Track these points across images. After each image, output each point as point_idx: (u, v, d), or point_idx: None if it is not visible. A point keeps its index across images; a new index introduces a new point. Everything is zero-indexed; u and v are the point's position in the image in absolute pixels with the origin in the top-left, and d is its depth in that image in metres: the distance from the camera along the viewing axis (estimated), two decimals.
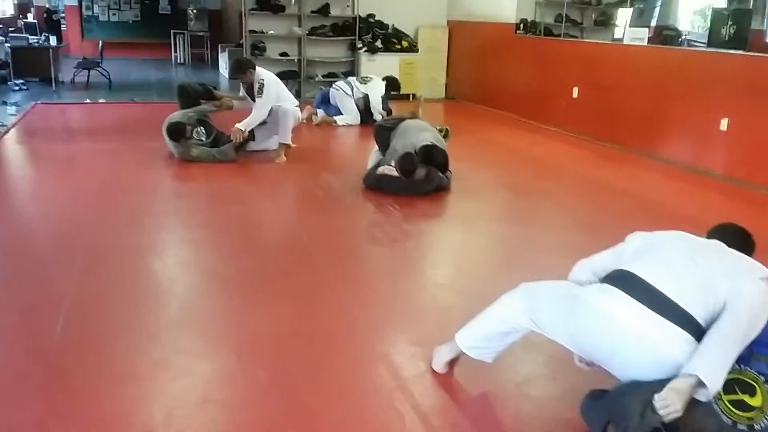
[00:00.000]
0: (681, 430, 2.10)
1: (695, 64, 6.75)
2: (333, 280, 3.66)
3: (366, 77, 8.76)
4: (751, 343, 2.20)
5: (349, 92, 8.51)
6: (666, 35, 8.33)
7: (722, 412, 2.08)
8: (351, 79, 8.82)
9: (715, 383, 2.00)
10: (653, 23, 9.01)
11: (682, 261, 2.22)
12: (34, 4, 16.24)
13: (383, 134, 5.59)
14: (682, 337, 2.09)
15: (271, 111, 6.35)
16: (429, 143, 5.17)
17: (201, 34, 17.61)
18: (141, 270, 3.75)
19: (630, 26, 8.29)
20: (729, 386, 2.10)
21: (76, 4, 17.24)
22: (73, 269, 3.66)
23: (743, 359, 2.18)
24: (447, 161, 5.27)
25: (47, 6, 15.59)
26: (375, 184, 5.30)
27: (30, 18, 14.40)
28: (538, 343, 2.81)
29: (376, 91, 8.44)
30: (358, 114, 8.48)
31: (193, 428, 2.32)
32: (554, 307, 2.35)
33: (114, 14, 17.71)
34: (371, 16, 10.99)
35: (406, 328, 3.14)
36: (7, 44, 11.31)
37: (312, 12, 10.74)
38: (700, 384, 2.01)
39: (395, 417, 2.43)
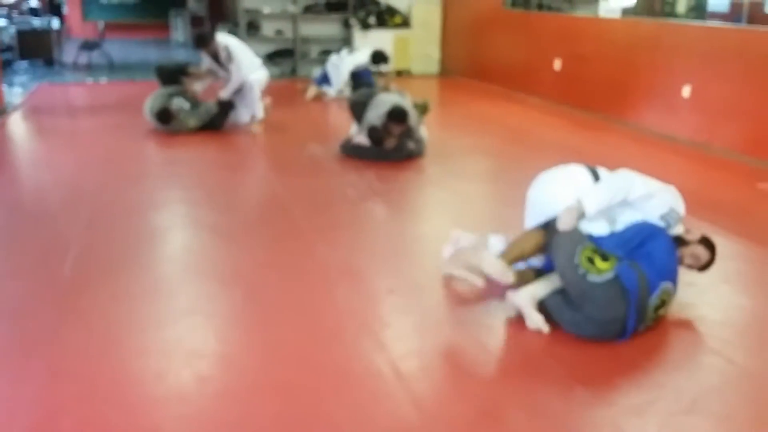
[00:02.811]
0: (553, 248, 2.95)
1: (662, 35, 7.13)
2: (305, 228, 4.15)
3: (356, 50, 9.15)
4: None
5: (339, 64, 8.89)
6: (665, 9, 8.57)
7: (577, 257, 2.83)
8: (343, 52, 9.12)
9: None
10: None
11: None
12: None
13: (358, 108, 6.00)
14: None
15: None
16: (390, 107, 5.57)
17: (200, 14, 17.96)
18: (139, 221, 4.25)
19: None
20: (592, 248, 2.88)
21: None
22: (79, 222, 4.15)
23: None
24: (402, 115, 5.59)
25: None
26: (351, 153, 5.82)
27: (32, 1, 14.79)
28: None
29: (355, 60, 8.73)
30: (347, 84, 8.84)
31: (179, 333, 2.84)
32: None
33: None
34: None
35: (362, 263, 3.65)
36: (13, 27, 11.73)
37: None
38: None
39: (352, 322, 2.93)
